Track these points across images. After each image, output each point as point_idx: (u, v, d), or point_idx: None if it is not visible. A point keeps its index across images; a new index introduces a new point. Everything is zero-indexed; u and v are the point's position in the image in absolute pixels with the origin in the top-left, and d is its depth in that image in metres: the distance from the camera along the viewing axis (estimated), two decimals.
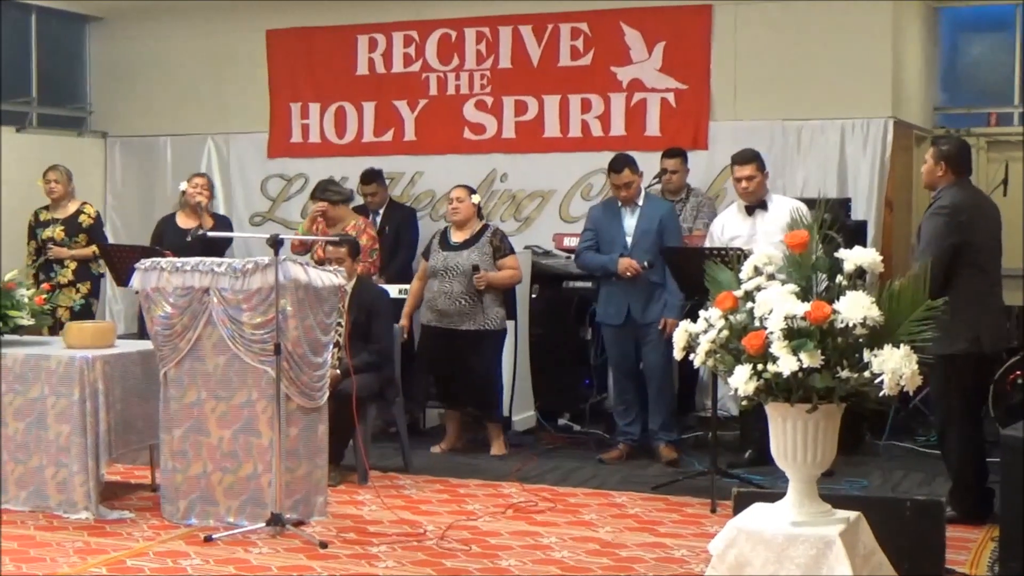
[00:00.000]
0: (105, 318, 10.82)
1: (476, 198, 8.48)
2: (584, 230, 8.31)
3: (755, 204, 7.59)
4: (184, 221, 9.06)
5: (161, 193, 11.18)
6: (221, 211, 11.07)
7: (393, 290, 8.68)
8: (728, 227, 7.67)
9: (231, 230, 9.26)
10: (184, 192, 9.15)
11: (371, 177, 9.78)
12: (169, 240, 8.84)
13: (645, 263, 7.81)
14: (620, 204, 8.06)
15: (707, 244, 7.81)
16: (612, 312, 8.05)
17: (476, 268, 8.16)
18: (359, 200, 9.99)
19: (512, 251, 8.48)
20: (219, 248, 8.52)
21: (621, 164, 8.02)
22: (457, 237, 8.38)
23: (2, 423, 6.80)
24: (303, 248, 8.54)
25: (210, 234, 7.77)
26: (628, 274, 7.85)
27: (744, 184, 7.57)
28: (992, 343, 6.46)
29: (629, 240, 7.98)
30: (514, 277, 8.45)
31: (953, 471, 6.59)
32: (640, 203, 8.05)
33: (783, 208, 7.26)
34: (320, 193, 8.74)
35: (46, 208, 9.43)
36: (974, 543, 6.10)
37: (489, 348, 8.30)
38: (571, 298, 9.26)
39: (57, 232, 9.24)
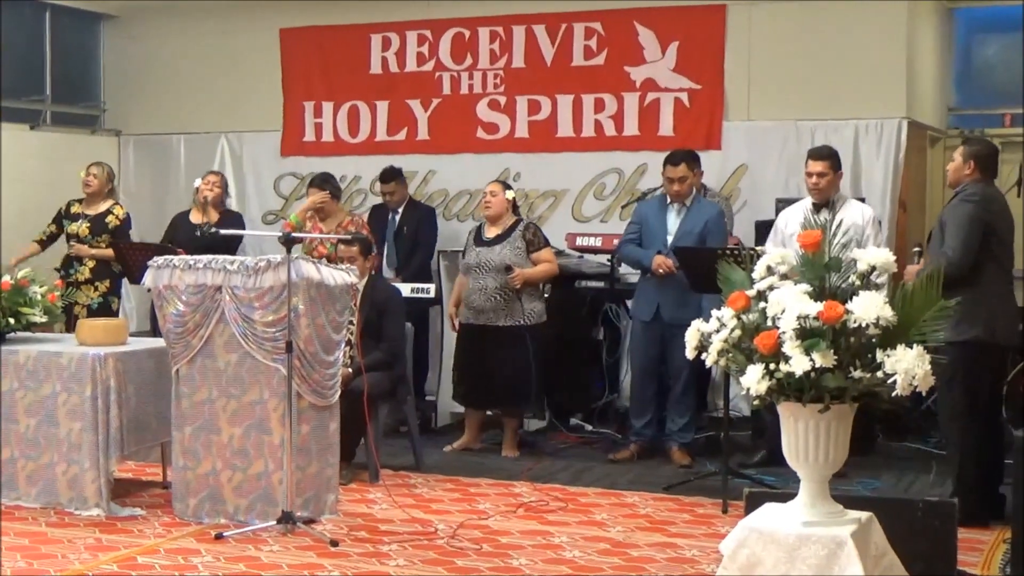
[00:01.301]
0: (118, 315, 10.84)
1: (511, 194, 8.46)
2: (630, 223, 8.31)
3: (823, 202, 7.51)
4: (196, 217, 9.08)
5: (174, 191, 11.19)
6: (234, 210, 11.07)
7: (406, 289, 8.68)
8: (792, 222, 7.58)
9: (242, 226, 9.26)
10: (197, 189, 9.18)
11: (391, 175, 9.73)
12: (181, 236, 8.87)
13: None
14: (669, 201, 8.04)
15: (770, 237, 7.75)
16: (643, 308, 8.05)
17: (509, 268, 8.12)
18: (376, 199, 9.99)
19: (547, 243, 8.44)
20: (228, 244, 8.50)
21: (679, 158, 7.99)
22: (490, 233, 8.36)
23: (13, 420, 6.81)
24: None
25: (222, 232, 7.76)
26: (660, 271, 7.83)
27: (815, 180, 7.45)
28: (1007, 335, 6.46)
29: (670, 239, 7.95)
30: (550, 270, 8.39)
31: (953, 467, 6.56)
32: (688, 203, 8.02)
33: (851, 211, 7.23)
34: (321, 183, 8.72)
35: (79, 201, 9.41)
36: (986, 544, 6.08)
37: (525, 343, 8.17)
38: (584, 298, 9.24)
39: (82, 229, 9.24)
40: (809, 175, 7.51)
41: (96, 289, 9.17)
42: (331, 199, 8.68)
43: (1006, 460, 6.49)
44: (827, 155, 7.54)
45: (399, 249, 9.60)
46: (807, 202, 7.61)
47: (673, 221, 7.99)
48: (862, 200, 8.97)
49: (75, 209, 9.34)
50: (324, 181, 8.75)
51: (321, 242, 8.41)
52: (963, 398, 6.44)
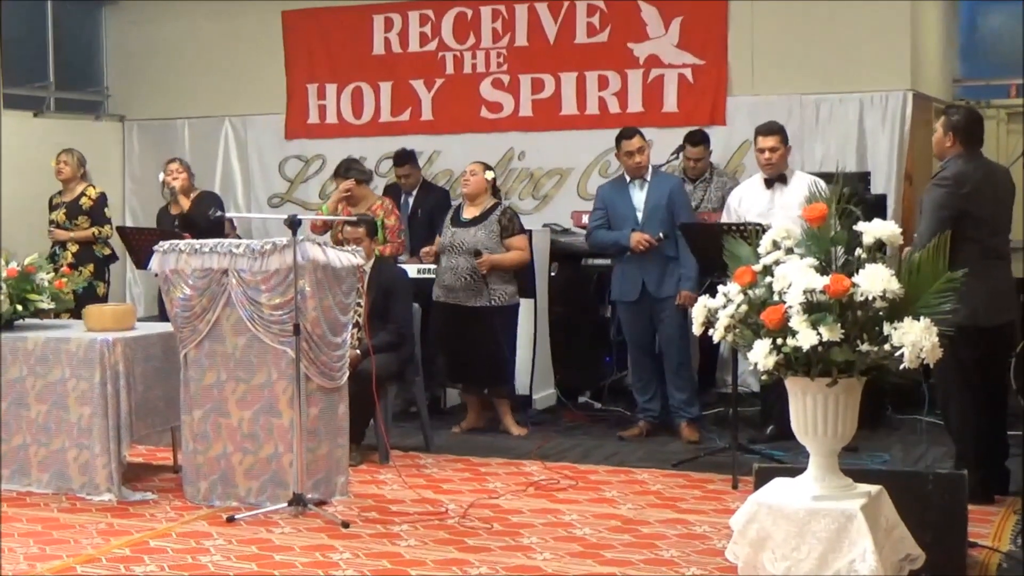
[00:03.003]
0: (126, 300, 10.87)
1: (491, 175, 8.41)
2: (594, 209, 8.24)
3: (775, 177, 7.57)
4: (172, 207, 9.16)
5: None
6: (239, 194, 11.11)
7: (412, 270, 8.67)
8: (745, 200, 7.64)
9: (221, 205, 9.27)
10: (163, 182, 9.19)
11: (405, 158, 9.67)
12: (163, 228, 8.94)
13: (660, 234, 7.78)
14: (628, 179, 8.03)
15: (724, 216, 7.80)
16: (627, 288, 8.02)
17: (478, 254, 8.09)
18: (381, 181, 9.96)
19: (521, 231, 8.35)
20: (206, 229, 8.48)
21: (632, 131, 8.01)
22: (467, 213, 8.31)
23: (25, 406, 6.84)
24: (323, 228, 8.54)
25: (228, 215, 7.77)
26: (641, 248, 7.82)
27: (767, 155, 7.53)
28: (990, 316, 6.19)
29: (640, 215, 7.95)
30: (521, 258, 8.31)
31: (955, 447, 6.52)
32: (647, 178, 8.02)
33: (802, 183, 7.21)
34: (344, 172, 8.68)
35: (60, 192, 9.51)
36: (996, 516, 6.08)
37: (496, 325, 8.17)
38: (590, 276, 9.24)
39: (60, 215, 9.32)
40: (760, 151, 7.57)
41: (80, 273, 9.16)
42: (357, 184, 8.60)
43: (1010, 433, 6.47)
44: (776, 130, 7.61)
45: (413, 231, 9.55)
46: (758, 178, 7.65)
47: (638, 197, 7.99)
48: (868, 174, 8.98)
49: (56, 200, 9.52)
50: (347, 170, 8.68)
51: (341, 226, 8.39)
52: (955, 378, 6.30)
